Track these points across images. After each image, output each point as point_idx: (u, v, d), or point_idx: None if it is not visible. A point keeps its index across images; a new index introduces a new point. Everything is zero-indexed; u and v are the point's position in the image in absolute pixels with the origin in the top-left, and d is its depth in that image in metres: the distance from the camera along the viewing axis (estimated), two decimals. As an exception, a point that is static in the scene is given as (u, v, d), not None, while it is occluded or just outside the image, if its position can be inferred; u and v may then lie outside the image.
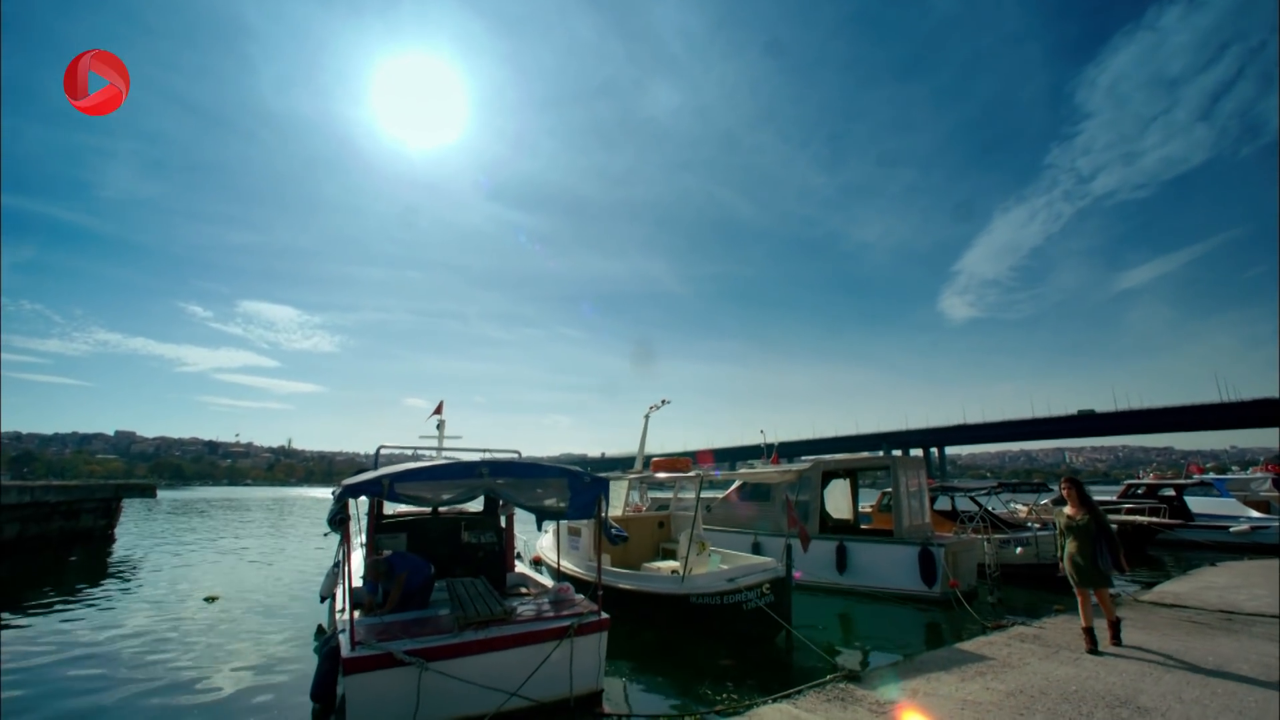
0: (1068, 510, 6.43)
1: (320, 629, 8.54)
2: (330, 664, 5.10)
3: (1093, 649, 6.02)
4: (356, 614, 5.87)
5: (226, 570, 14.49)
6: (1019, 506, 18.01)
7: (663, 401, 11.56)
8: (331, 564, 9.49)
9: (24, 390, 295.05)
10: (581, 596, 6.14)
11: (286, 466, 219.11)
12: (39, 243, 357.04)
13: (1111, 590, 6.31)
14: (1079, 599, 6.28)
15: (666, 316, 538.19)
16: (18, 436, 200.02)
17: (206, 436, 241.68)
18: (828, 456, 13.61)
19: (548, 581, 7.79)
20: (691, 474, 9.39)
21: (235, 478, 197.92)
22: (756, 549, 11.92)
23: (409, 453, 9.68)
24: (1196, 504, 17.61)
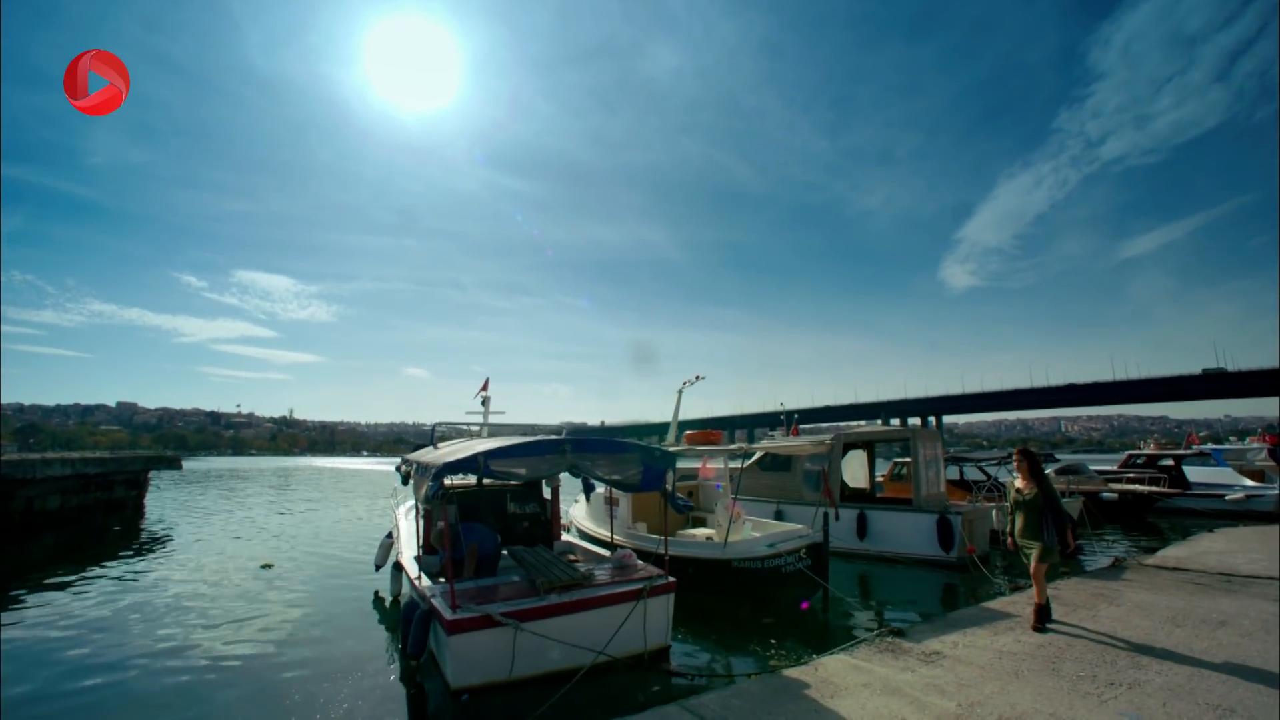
0: (1018, 483, 6.16)
1: (377, 595, 9.10)
2: (423, 625, 5.62)
3: (1040, 626, 5.88)
4: (438, 581, 6.41)
5: (263, 538, 15.10)
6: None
7: (697, 377, 12.01)
8: (384, 535, 10.05)
9: (22, 362, 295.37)
10: (643, 563, 6.69)
11: (289, 437, 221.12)
12: (27, 212, 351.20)
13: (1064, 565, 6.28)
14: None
15: (665, 285, 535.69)
16: (20, 408, 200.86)
17: (208, 407, 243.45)
18: (849, 424, 14.16)
19: (599, 550, 8.34)
20: (733, 446, 9.90)
21: (239, 448, 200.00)
22: (779, 517, 12.55)
23: (461, 428, 10.18)
24: (1193, 473, 18.34)
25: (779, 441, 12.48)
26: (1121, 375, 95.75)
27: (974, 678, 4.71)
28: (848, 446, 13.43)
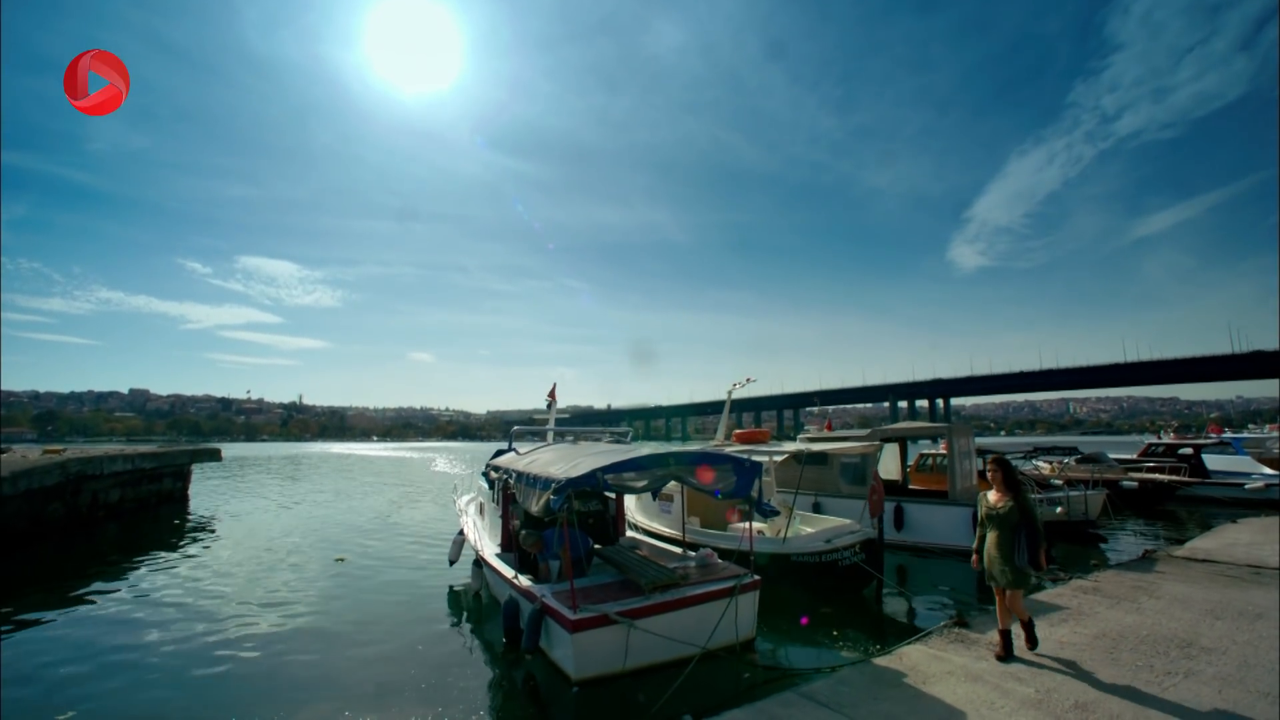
0: (990, 496, 5.63)
1: (452, 590, 9.67)
2: (536, 622, 6.20)
3: (1005, 655, 5.43)
4: (530, 579, 6.99)
5: (318, 530, 15.75)
6: (1042, 465, 19.27)
7: (747, 380, 12.55)
8: (455, 532, 10.66)
9: (34, 349, 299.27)
10: (724, 561, 7.29)
11: (300, 422, 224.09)
12: (31, 200, 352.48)
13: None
14: (996, 598, 5.63)
15: (669, 267, 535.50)
16: (36, 395, 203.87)
17: (218, 393, 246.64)
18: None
19: (663, 546, 8.93)
20: (788, 446, 10.44)
21: (251, 434, 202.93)
22: (816, 509, 13.15)
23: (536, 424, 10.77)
24: (1213, 461, 18.82)
25: (821, 440, 13.01)
26: (1133, 357, 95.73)
27: (1043, 666, 5.29)
28: (884, 441, 13.97)
